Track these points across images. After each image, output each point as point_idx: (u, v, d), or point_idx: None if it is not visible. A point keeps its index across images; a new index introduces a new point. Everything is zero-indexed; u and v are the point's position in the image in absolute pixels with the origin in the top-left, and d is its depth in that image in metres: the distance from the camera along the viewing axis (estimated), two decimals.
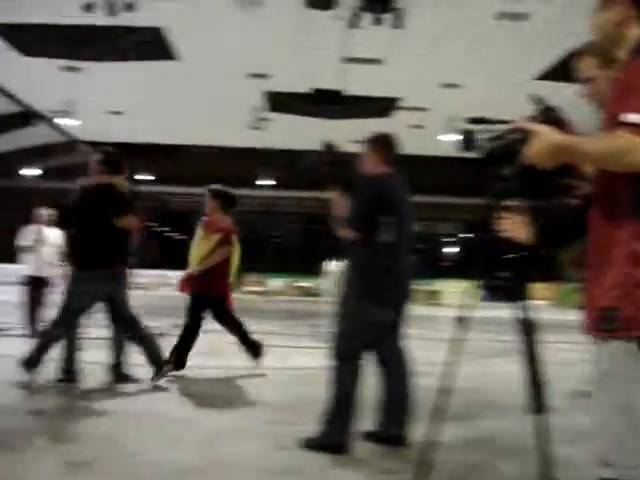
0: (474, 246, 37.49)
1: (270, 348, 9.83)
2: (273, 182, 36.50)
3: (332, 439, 4.39)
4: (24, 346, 8.18)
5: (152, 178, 37.15)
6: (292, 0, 14.69)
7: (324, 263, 31.63)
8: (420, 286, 26.99)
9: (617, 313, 2.38)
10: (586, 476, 2.46)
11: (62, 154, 32.75)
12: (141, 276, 34.51)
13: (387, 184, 4.95)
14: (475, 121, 3.10)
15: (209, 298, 7.39)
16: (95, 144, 32.68)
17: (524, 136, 2.60)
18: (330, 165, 4.88)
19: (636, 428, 2.37)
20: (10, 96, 24.18)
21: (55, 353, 6.46)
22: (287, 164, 33.88)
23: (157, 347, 6.59)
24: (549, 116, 2.89)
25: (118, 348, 6.89)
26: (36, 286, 9.76)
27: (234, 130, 26.90)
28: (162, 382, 6.58)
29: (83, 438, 4.45)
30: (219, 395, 5.91)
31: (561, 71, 17.04)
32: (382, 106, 22.65)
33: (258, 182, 36.44)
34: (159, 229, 42.16)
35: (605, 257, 2.46)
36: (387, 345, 4.85)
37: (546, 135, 2.56)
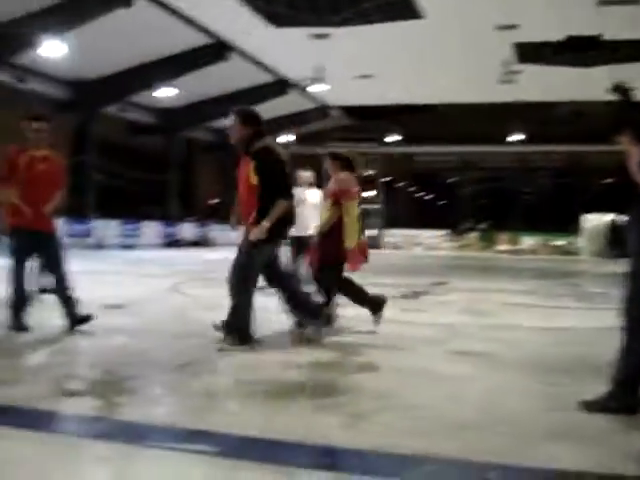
0: None
1: (532, 308, 9.57)
2: (523, 137, 35.24)
3: (620, 403, 4.11)
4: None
5: (400, 138, 37.48)
6: None
7: (580, 219, 30.16)
8: None
9: None
10: None
11: (314, 120, 34.04)
12: (392, 236, 35.26)
13: None
14: None
15: (330, 266, 7.13)
16: (345, 108, 33.69)
17: None
18: (625, 109, 4.43)
19: None
20: (265, 67, 25.50)
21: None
22: (538, 118, 32.58)
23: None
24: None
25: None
26: (298, 246, 10.15)
27: (483, 86, 26.31)
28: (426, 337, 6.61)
29: (356, 392, 4.56)
30: (490, 353, 5.80)
31: None
32: None
33: (508, 138, 35.38)
34: (408, 189, 42.55)
35: None
36: None
37: None
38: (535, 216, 35.93)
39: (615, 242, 25.29)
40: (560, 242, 32.12)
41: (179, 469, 3.13)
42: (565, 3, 17.47)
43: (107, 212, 25.35)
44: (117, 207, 26.95)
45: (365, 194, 36.56)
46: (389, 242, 34.18)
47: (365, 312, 6.88)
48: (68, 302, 6.19)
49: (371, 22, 19.34)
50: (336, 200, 6.99)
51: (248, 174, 5.83)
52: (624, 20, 18.03)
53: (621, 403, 4.14)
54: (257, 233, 5.72)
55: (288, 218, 6.02)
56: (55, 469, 3.09)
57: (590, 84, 21.78)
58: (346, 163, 7.28)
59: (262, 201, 5.79)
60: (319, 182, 9.84)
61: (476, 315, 8.50)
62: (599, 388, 4.16)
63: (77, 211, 22.53)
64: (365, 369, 5.30)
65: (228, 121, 6.03)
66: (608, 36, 19.78)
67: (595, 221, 28.71)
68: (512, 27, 19.64)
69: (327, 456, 3.38)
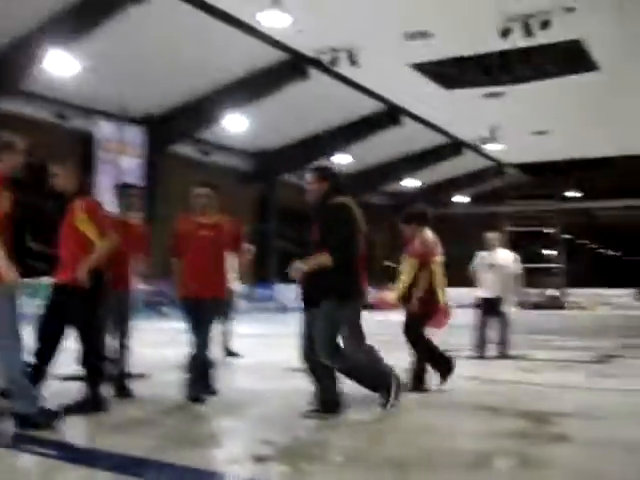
0: None
1: None
2: None
3: None
4: (471, 367, 8.37)
5: (579, 195, 36.15)
6: None
7: None
8: None
9: None
10: None
11: (488, 178, 33.64)
12: (575, 295, 33.74)
13: None
14: None
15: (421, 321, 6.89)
16: (520, 165, 33.06)
17: None
18: None
19: None
20: (438, 128, 25.63)
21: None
22: None
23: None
24: None
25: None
26: (488, 308, 10.03)
27: None
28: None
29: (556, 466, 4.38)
30: None
31: None
32: None
33: None
34: (589, 246, 40.78)
35: None
36: None
37: None
38: None
39: None
40: None
41: None
42: None
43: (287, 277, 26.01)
44: None
45: (546, 252, 35.46)
46: (572, 302, 32.72)
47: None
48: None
49: (545, 77, 19.01)
50: (424, 261, 6.90)
51: (316, 233, 5.58)
52: None
53: None
54: (294, 269, 5.47)
55: (351, 279, 5.55)
56: None
57: None
58: (422, 219, 7.17)
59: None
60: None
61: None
62: None
63: (260, 276, 23.36)
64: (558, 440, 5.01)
65: (306, 179, 5.77)
66: None
67: None
68: None
69: None
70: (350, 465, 4.33)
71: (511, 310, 10.36)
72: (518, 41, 15.23)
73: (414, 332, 6.86)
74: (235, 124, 20.63)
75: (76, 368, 5.60)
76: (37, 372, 5.27)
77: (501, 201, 34.96)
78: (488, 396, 6.46)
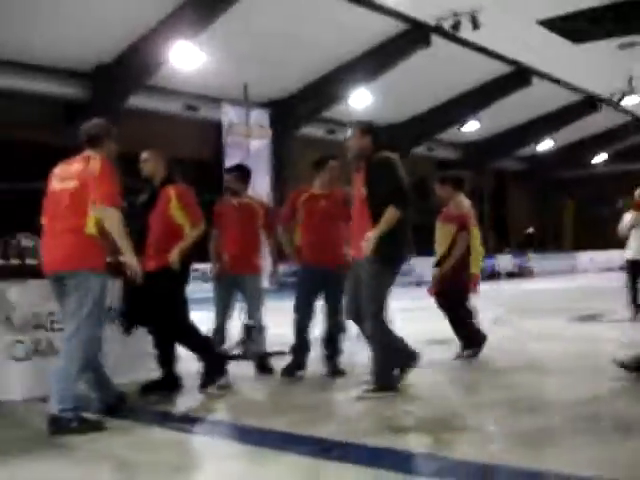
0: None
1: None
2: None
3: None
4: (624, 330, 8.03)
5: None
6: None
7: None
8: None
9: None
10: None
11: (627, 135, 31.93)
12: None
13: None
14: None
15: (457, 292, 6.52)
16: None
17: None
18: None
19: None
20: (570, 86, 24.55)
21: None
22: None
23: None
24: None
25: None
26: (635, 269, 9.66)
27: None
28: None
29: None
30: None
31: None
32: None
33: None
34: None
35: None
36: None
37: None
38: None
39: None
40: None
41: None
42: None
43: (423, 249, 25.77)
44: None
45: None
46: None
47: None
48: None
49: None
50: (463, 225, 6.61)
51: (360, 188, 5.36)
52: None
53: None
54: (365, 246, 5.13)
55: (400, 237, 5.37)
56: None
57: None
58: (458, 184, 6.87)
59: (375, 213, 5.23)
60: None
61: None
62: None
63: None
64: None
65: (347, 134, 5.57)
66: None
67: None
68: None
69: None
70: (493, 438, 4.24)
71: None
72: None
73: (451, 301, 6.74)
74: (360, 100, 20.49)
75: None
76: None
77: None
78: None
